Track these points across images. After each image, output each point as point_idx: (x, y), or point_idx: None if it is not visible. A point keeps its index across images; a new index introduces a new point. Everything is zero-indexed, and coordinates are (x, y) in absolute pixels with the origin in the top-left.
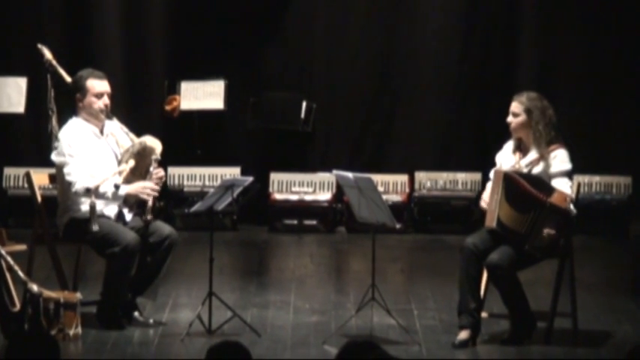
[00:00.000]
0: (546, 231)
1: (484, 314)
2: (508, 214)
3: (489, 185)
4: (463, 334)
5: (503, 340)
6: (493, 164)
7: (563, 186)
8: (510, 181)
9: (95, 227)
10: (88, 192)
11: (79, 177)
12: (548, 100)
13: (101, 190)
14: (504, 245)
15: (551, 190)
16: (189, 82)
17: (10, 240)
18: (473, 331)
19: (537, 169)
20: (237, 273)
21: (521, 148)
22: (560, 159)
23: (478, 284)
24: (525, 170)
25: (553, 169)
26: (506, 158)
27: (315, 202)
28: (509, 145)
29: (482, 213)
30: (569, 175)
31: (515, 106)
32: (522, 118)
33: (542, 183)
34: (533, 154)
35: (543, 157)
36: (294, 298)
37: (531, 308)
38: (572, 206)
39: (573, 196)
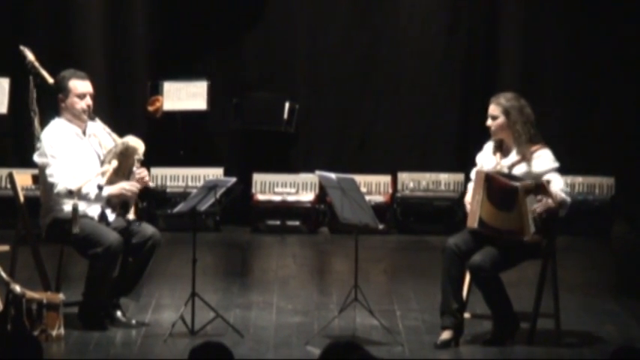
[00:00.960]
0: (533, 210)
1: (467, 315)
2: (490, 213)
3: (471, 186)
4: (445, 335)
5: (486, 341)
6: (475, 165)
7: (557, 181)
8: (492, 182)
9: (76, 229)
10: (70, 193)
11: (61, 178)
12: (526, 99)
13: (84, 191)
14: (487, 246)
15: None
16: (171, 83)
17: None
18: (455, 331)
19: (520, 170)
20: (220, 274)
21: (502, 149)
22: (545, 158)
23: (460, 285)
24: (507, 171)
25: (541, 169)
26: (487, 159)
27: (297, 203)
28: (489, 146)
29: (466, 214)
30: (558, 171)
31: (493, 109)
32: (501, 119)
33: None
34: (514, 155)
35: (525, 157)
36: (277, 299)
37: (514, 309)
38: (563, 194)
39: (566, 188)
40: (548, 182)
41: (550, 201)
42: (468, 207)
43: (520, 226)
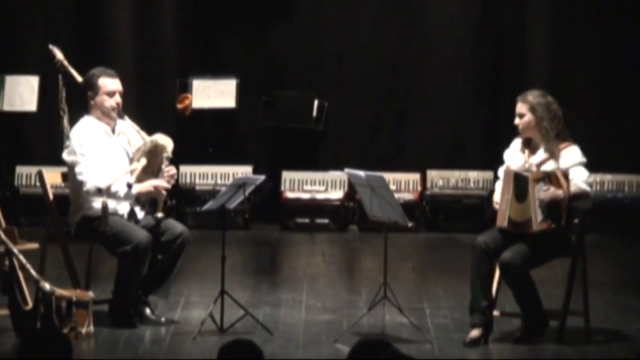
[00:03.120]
0: (539, 197)
1: (496, 313)
2: (518, 212)
3: (499, 185)
4: (474, 333)
5: (516, 339)
6: (503, 162)
7: (580, 173)
8: (520, 181)
9: (105, 227)
10: (99, 192)
11: (90, 176)
12: (555, 97)
13: (113, 189)
14: (517, 243)
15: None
16: (200, 81)
17: (22, 239)
18: (484, 329)
19: (548, 167)
20: (249, 271)
21: (530, 146)
22: (573, 153)
23: (490, 282)
24: (535, 169)
25: (568, 163)
26: (515, 156)
27: (327, 201)
28: (517, 143)
29: (494, 212)
30: (584, 165)
31: (520, 107)
32: (528, 117)
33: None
34: (542, 152)
35: (554, 154)
36: (306, 297)
37: (543, 307)
38: (584, 185)
39: (589, 179)
40: (565, 174)
41: (560, 191)
42: (497, 206)
43: (531, 216)
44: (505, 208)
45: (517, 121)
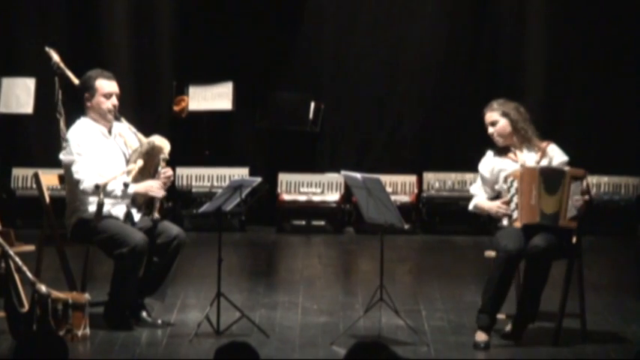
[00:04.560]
0: (575, 198)
1: (502, 315)
2: (550, 204)
3: (480, 201)
4: (484, 336)
5: (505, 334)
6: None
7: None
8: (552, 174)
9: (99, 223)
10: (96, 189)
11: (87, 175)
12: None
13: (109, 188)
14: (545, 233)
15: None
16: (197, 83)
17: (18, 241)
18: (489, 332)
19: (543, 164)
20: (246, 274)
21: (509, 151)
22: (558, 151)
23: (508, 288)
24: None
25: (558, 161)
26: (501, 163)
27: (323, 203)
28: (490, 155)
29: (493, 218)
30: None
31: (490, 116)
32: (503, 122)
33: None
34: (527, 153)
35: (545, 152)
36: (303, 299)
37: (539, 309)
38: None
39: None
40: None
41: (587, 197)
42: (502, 211)
43: (560, 209)
44: (535, 204)
45: (491, 130)
